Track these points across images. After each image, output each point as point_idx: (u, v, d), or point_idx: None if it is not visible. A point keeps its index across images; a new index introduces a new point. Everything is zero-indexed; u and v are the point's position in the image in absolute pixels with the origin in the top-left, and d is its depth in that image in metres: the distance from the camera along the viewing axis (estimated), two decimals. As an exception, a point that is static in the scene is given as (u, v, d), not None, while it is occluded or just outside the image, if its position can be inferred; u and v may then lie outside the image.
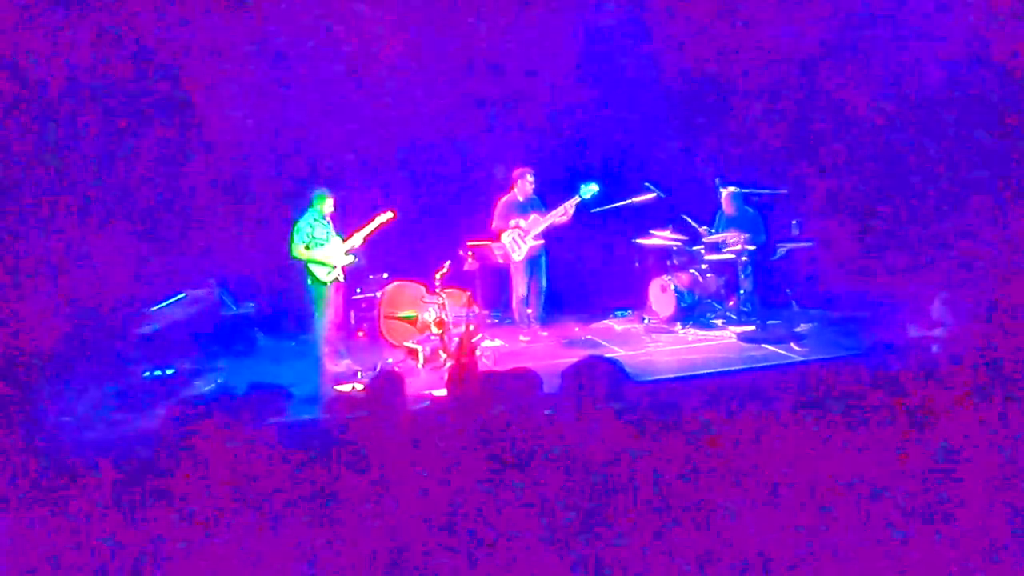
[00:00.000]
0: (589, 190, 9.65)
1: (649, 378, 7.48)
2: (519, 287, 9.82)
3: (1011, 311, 5.50)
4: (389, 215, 8.78)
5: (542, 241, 9.80)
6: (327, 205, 8.54)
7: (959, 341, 5.74)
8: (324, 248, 8.46)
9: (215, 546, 3.12)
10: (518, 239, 9.69)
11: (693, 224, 10.18)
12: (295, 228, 8.46)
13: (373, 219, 8.76)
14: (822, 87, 8.48)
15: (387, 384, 4.25)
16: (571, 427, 3.62)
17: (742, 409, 3.68)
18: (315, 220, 8.49)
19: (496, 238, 9.76)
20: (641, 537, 3.02)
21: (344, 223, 8.74)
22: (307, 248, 8.41)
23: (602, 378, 3.80)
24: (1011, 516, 3.06)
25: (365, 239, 8.74)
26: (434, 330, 8.98)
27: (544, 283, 9.91)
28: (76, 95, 8.12)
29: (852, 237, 8.59)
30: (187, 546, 3.10)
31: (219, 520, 3.18)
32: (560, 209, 9.69)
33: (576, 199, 9.65)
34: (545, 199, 9.85)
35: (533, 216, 9.71)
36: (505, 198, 9.84)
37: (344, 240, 8.61)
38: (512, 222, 9.71)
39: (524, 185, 9.77)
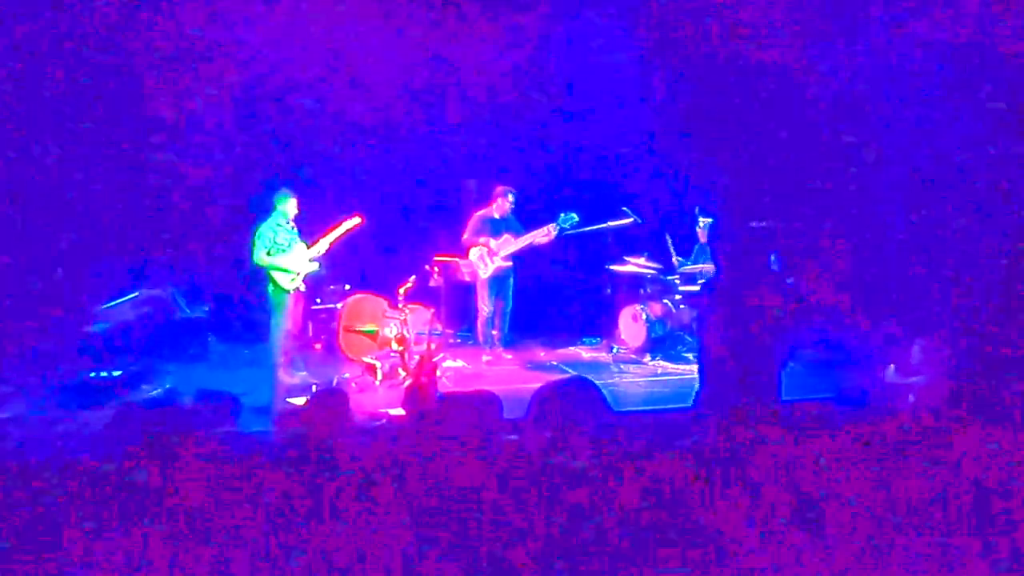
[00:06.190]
0: (569, 219, 9.37)
1: (615, 409, 7.26)
2: (483, 306, 9.55)
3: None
4: (356, 220, 8.46)
5: (510, 263, 9.53)
6: (290, 207, 8.22)
7: (936, 389, 5.60)
8: (287, 255, 8.14)
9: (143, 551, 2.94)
10: (486, 257, 9.43)
11: (671, 250, 9.95)
12: (256, 233, 8.13)
13: (339, 224, 8.45)
14: (810, 120, 8.41)
15: (329, 402, 4.02)
16: (540, 452, 3.41)
17: (702, 444, 3.53)
18: (278, 225, 8.18)
19: (464, 252, 9.50)
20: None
21: (309, 228, 8.44)
22: (269, 254, 8.09)
23: (580, 402, 3.64)
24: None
25: (330, 245, 8.43)
26: (394, 347, 8.69)
27: (510, 305, 9.65)
28: (35, 93, 7.93)
29: (832, 276, 8.48)
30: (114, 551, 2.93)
31: (156, 528, 2.99)
32: (533, 235, 9.40)
33: (554, 226, 9.35)
34: (523, 219, 9.59)
35: (505, 236, 9.44)
36: (481, 212, 9.58)
37: (309, 247, 8.30)
38: (482, 239, 9.44)
39: (503, 203, 9.49)
